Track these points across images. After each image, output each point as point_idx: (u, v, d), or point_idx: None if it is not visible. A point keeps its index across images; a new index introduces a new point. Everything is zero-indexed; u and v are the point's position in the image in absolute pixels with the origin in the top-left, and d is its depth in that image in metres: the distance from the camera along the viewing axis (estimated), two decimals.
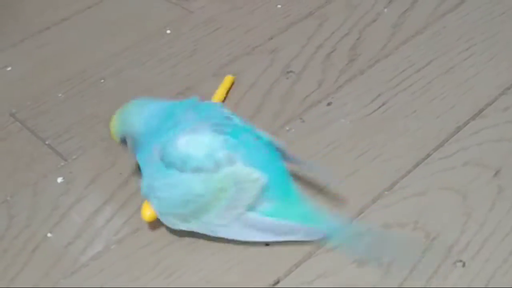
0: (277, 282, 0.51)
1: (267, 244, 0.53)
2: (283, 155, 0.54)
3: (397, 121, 0.62)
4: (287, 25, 0.76)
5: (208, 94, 0.66)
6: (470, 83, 0.66)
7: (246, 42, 0.74)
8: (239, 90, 0.67)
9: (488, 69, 0.67)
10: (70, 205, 0.58)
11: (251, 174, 0.51)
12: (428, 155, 0.59)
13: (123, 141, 0.55)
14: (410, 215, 0.54)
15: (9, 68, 0.74)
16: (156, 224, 0.55)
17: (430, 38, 0.72)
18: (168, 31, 0.77)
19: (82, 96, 0.69)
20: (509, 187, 0.55)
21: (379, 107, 0.64)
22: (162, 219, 0.53)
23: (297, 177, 0.56)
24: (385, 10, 0.77)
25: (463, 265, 0.50)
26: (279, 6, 0.79)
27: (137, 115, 0.54)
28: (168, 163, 0.52)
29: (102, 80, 0.71)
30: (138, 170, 0.57)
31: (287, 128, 0.63)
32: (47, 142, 0.64)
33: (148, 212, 0.54)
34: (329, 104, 0.65)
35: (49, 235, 0.56)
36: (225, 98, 0.66)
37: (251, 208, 0.51)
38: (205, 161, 0.51)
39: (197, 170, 0.51)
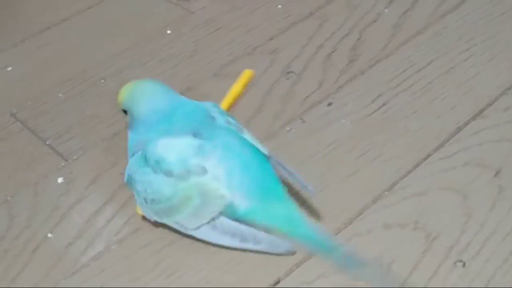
0: (278, 282, 0.51)
1: None
2: (270, 160, 0.54)
3: (397, 121, 0.62)
4: (288, 26, 0.76)
5: (209, 94, 0.66)
6: (471, 84, 0.66)
7: (247, 43, 0.74)
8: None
9: (488, 69, 0.67)
10: (70, 205, 0.58)
11: (218, 190, 0.51)
12: (429, 155, 0.59)
13: (124, 111, 0.56)
14: (410, 215, 0.54)
15: (9, 68, 0.74)
16: (156, 224, 0.55)
17: (431, 39, 0.72)
18: (169, 32, 0.77)
19: (83, 97, 0.69)
20: (509, 187, 0.55)
21: (380, 107, 0.64)
22: (142, 210, 0.54)
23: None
24: (386, 10, 0.77)
25: (464, 265, 0.50)
26: (279, 6, 0.79)
27: (146, 102, 0.55)
28: (146, 160, 0.52)
29: (103, 81, 0.71)
30: None
31: (288, 129, 0.63)
32: (47, 142, 0.64)
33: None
34: (329, 104, 0.65)
35: (49, 235, 0.56)
36: (241, 93, 0.66)
37: (226, 208, 0.51)
38: (176, 166, 0.51)
39: (168, 173, 0.51)
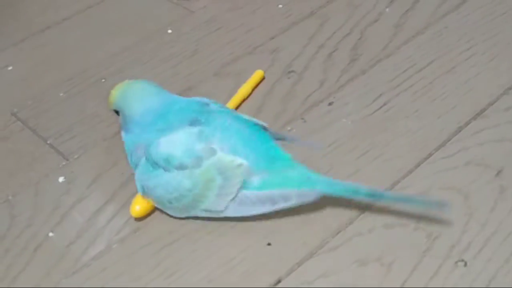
0: (279, 281, 0.51)
1: (269, 244, 0.53)
2: (269, 132, 0.55)
3: (398, 121, 0.62)
4: (289, 25, 0.76)
5: (209, 93, 0.66)
6: (472, 83, 0.66)
7: (247, 42, 0.74)
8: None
9: (489, 69, 0.67)
10: (71, 205, 0.58)
11: (233, 161, 0.51)
12: (430, 155, 0.59)
13: (116, 112, 0.56)
14: (412, 214, 0.54)
15: (10, 68, 0.74)
16: (157, 223, 0.55)
17: (432, 38, 0.72)
18: (169, 31, 0.77)
19: (83, 96, 0.69)
20: (511, 187, 0.55)
21: (381, 107, 0.64)
22: (166, 211, 0.55)
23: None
24: (387, 10, 0.77)
25: (465, 264, 0.50)
26: (280, 6, 0.79)
27: (137, 101, 0.55)
28: (153, 164, 0.53)
29: (103, 80, 0.71)
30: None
31: (289, 128, 0.63)
32: (48, 142, 0.64)
33: (137, 207, 0.55)
34: (330, 104, 0.65)
35: (50, 234, 0.56)
36: (250, 94, 0.67)
37: (242, 186, 0.52)
38: (185, 157, 0.52)
39: (181, 167, 0.52)
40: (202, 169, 0.51)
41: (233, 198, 0.52)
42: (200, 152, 0.51)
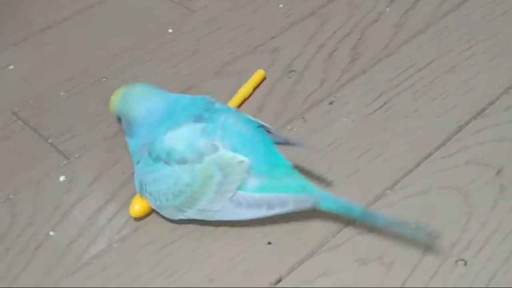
0: (279, 280, 0.51)
1: (269, 243, 0.53)
2: (270, 134, 0.55)
3: (398, 120, 0.63)
4: (289, 25, 0.76)
5: (210, 93, 0.66)
6: (472, 83, 0.66)
7: (248, 42, 0.74)
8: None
9: (489, 68, 0.67)
10: (72, 204, 0.58)
11: (235, 157, 0.52)
12: (430, 154, 0.59)
13: (118, 119, 0.56)
14: (411, 214, 0.54)
15: (11, 67, 0.74)
16: (157, 222, 0.55)
17: (432, 38, 0.72)
18: (170, 30, 0.77)
19: (84, 95, 0.69)
20: (511, 186, 0.55)
21: (381, 106, 0.64)
22: (161, 213, 0.55)
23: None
24: (387, 9, 0.77)
25: (465, 264, 0.50)
26: (281, 5, 0.79)
27: (139, 104, 0.55)
28: (156, 158, 0.53)
29: (104, 79, 0.71)
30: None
31: (289, 128, 0.63)
32: (49, 141, 0.64)
33: (136, 207, 0.55)
34: (331, 103, 0.65)
35: (51, 233, 0.56)
36: (251, 94, 0.67)
37: (240, 187, 0.52)
38: (187, 151, 0.52)
39: (182, 161, 0.52)
40: (203, 165, 0.51)
41: (231, 197, 0.52)
42: (202, 148, 0.52)
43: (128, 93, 0.56)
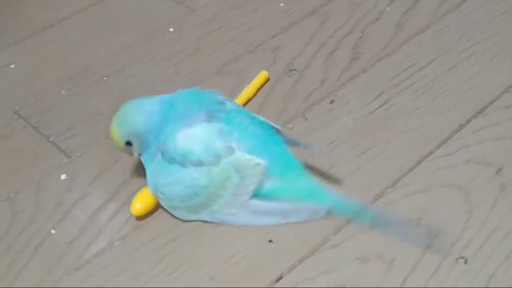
0: (280, 278, 0.51)
1: (270, 241, 0.53)
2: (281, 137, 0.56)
3: (399, 119, 0.63)
4: (290, 24, 0.76)
5: None
6: (472, 82, 0.66)
7: (249, 41, 0.74)
8: (242, 88, 0.67)
9: (490, 67, 0.67)
10: (73, 202, 0.58)
11: (251, 160, 0.52)
12: (431, 153, 0.59)
13: (128, 144, 0.55)
14: (412, 212, 0.54)
15: (12, 66, 0.74)
16: (158, 220, 0.55)
17: (433, 37, 0.72)
18: (171, 29, 0.77)
19: (85, 94, 0.69)
20: (511, 185, 0.55)
21: (382, 105, 0.64)
22: (172, 213, 0.55)
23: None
24: (388, 8, 0.77)
25: (465, 262, 0.50)
26: (281, 4, 0.79)
27: (137, 114, 0.54)
28: (170, 159, 0.53)
29: (105, 78, 0.71)
30: (141, 167, 0.57)
31: (290, 126, 0.63)
32: (50, 139, 0.64)
33: (137, 205, 0.55)
34: (331, 102, 0.65)
35: (52, 231, 0.56)
36: (255, 95, 0.67)
37: (255, 191, 0.52)
38: (204, 154, 0.52)
39: (198, 164, 0.52)
40: (220, 168, 0.51)
41: (246, 203, 0.52)
42: (219, 151, 0.51)
43: (121, 115, 0.55)
